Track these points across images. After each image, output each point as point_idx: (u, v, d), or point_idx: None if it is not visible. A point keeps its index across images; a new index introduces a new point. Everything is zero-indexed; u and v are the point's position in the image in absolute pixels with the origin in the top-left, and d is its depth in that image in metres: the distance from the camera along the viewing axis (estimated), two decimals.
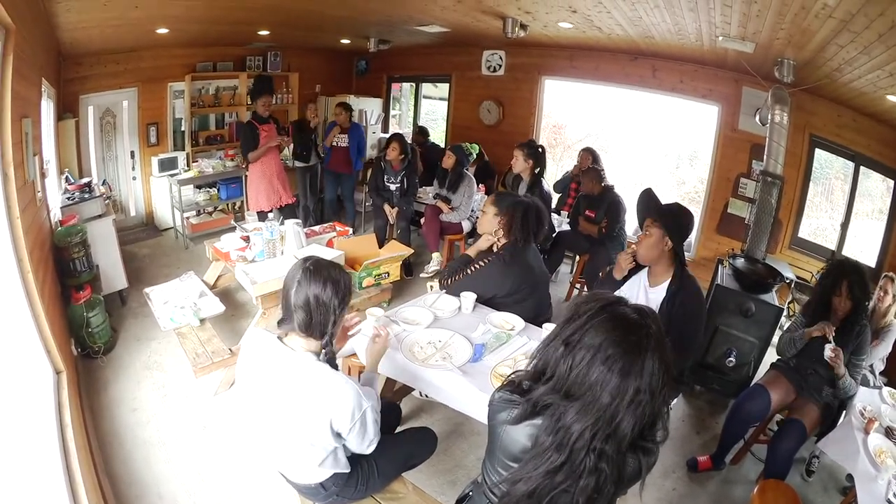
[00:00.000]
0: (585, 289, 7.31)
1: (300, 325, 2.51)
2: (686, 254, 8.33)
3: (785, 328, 4.83)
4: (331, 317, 2.52)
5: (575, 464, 1.69)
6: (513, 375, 1.99)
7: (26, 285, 3.73)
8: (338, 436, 2.58)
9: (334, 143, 9.01)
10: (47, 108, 6.04)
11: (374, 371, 3.09)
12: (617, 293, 3.92)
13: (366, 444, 2.66)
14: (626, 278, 3.99)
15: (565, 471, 1.71)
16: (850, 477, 4.12)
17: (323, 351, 2.62)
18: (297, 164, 9.29)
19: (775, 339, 5.03)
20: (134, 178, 9.00)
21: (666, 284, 3.63)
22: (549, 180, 8.78)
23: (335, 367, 2.64)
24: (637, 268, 3.92)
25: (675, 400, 5.10)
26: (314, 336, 2.55)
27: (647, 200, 3.77)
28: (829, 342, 3.97)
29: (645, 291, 3.79)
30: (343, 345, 3.11)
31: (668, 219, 3.58)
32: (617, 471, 1.73)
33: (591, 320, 1.74)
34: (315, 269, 2.52)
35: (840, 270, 4.17)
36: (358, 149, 9.19)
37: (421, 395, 4.87)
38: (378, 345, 3.12)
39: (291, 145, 9.17)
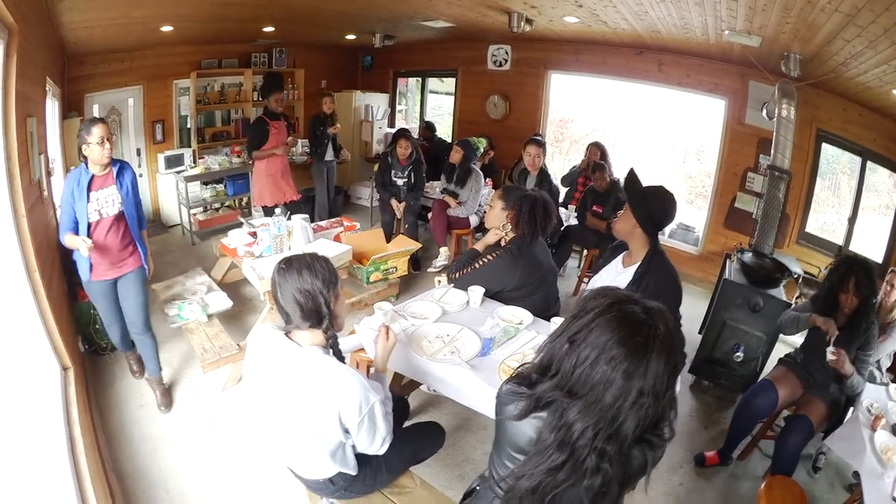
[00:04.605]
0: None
1: (298, 319, 2.52)
2: (693, 248, 8.41)
3: (792, 307, 4.82)
4: (320, 299, 2.52)
5: (577, 462, 1.69)
6: (520, 368, 1.98)
7: (33, 283, 3.76)
8: (346, 432, 2.58)
9: (100, 212, 4.32)
10: (52, 107, 6.06)
11: (383, 371, 3.06)
12: (598, 276, 3.92)
13: (378, 442, 2.66)
14: (608, 260, 3.97)
15: (567, 469, 1.70)
16: (856, 474, 4.12)
17: (329, 342, 2.64)
18: (316, 160, 9.26)
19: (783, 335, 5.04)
20: (140, 176, 8.93)
21: (635, 267, 3.58)
22: (557, 174, 8.79)
23: (342, 360, 2.63)
24: (618, 249, 3.90)
25: (678, 388, 5.09)
26: (314, 325, 2.56)
27: (627, 179, 3.74)
28: (829, 344, 3.98)
29: (616, 272, 3.74)
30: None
31: (634, 198, 3.54)
32: (622, 471, 1.73)
33: (598, 318, 1.71)
34: (286, 265, 2.54)
35: (848, 266, 4.15)
36: (137, 214, 4.60)
37: (429, 390, 4.87)
38: (382, 345, 3.08)
39: (299, 142, 9.17)
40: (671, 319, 1.75)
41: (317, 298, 2.50)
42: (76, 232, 4.20)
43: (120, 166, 4.45)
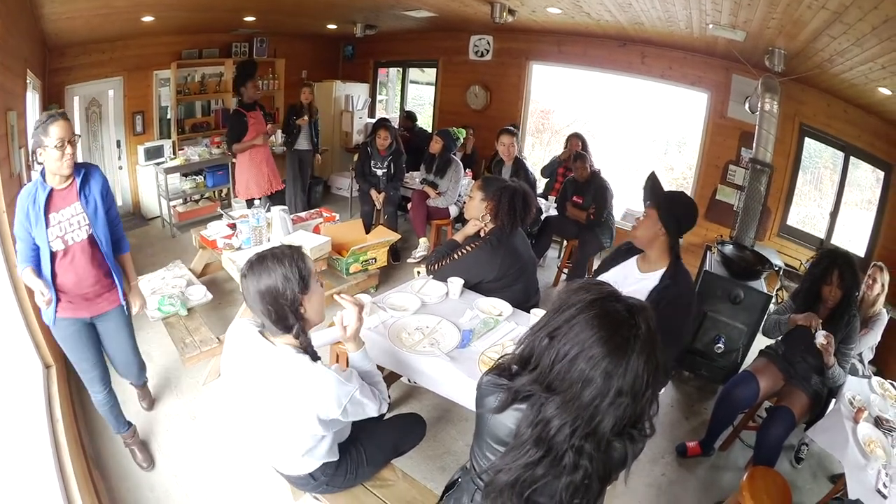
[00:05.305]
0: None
1: (269, 326, 2.46)
2: None
3: (773, 310, 4.84)
4: (286, 309, 2.41)
5: (556, 459, 1.69)
6: (501, 360, 1.97)
7: (14, 280, 3.72)
8: (333, 422, 2.56)
9: (64, 239, 3.40)
10: (33, 100, 5.98)
11: (357, 350, 2.85)
12: (604, 275, 3.88)
13: (372, 414, 2.64)
14: (616, 261, 3.95)
15: (545, 464, 1.70)
16: None
17: (301, 345, 2.53)
18: (286, 149, 9.21)
19: None
20: (120, 168, 8.95)
21: (660, 273, 3.53)
22: (538, 165, 8.80)
23: (316, 357, 2.58)
24: (629, 252, 3.88)
25: (663, 389, 5.10)
26: (285, 331, 2.47)
27: (649, 184, 3.72)
28: (815, 332, 3.99)
29: (634, 278, 3.68)
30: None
31: (663, 204, 3.49)
32: (602, 466, 1.73)
33: (579, 315, 1.70)
34: (249, 270, 2.41)
35: (831, 260, 4.17)
36: (112, 236, 3.64)
37: (409, 382, 4.86)
38: (349, 329, 2.78)
39: (278, 131, 9.16)
40: (653, 318, 1.73)
41: (282, 308, 2.39)
42: (38, 265, 3.33)
43: (85, 173, 3.43)
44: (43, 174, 3.27)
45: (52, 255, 3.31)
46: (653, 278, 3.53)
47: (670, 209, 3.45)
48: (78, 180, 3.36)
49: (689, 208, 3.53)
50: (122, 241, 3.80)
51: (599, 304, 1.71)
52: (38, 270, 3.31)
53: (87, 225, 3.41)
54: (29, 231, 3.24)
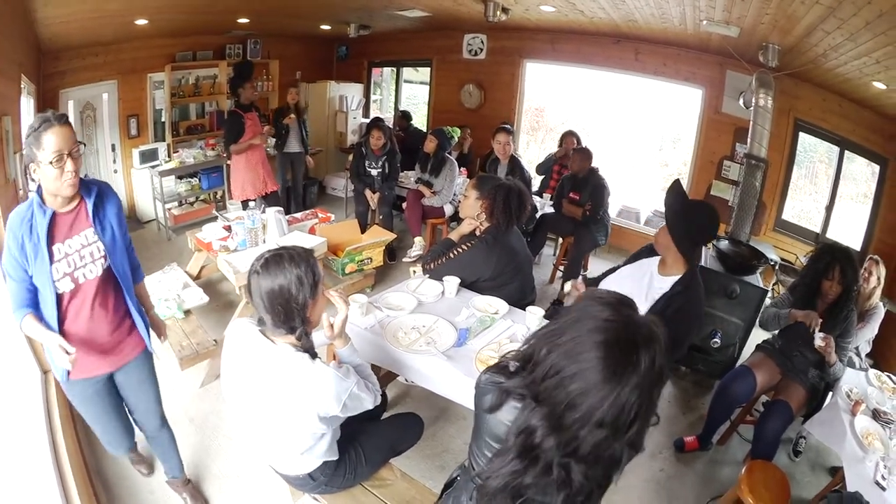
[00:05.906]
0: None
1: (271, 325, 2.44)
2: None
3: (770, 303, 4.84)
4: (294, 312, 2.40)
5: (545, 468, 1.66)
6: (504, 357, 1.95)
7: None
8: (333, 418, 2.56)
9: (74, 277, 2.71)
10: (27, 105, 5.96)
11: (345, 345, 2.84)
12: (626, 268, 3.88)
13: (368, 406, 2.65)
14: (641, 257, 3.96)
15: (532, 474, 1.67)
16: None
17: (301, 346, 2.52)
18: (277, 151, 9.21)
19: None
20: (115, 171, 8.90)
21: (673, 280, 3.53)
22: (532, 163, 8.80)
23: (315, 355, 2.56)
24: (652, 252, 3.89)
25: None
26: (288, 332, 2.46)
27: (670, 192, 3.72)
28: (814, 332, 3.99)
29: (651, 278, 3.71)
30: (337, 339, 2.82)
31: (672, 217, 3.51)
32: (601, 474, 1.70)
33: (588, 334, 1.62)
34: (263, 268, 2.38)
35: (832, 256, 4.17)
36: (130, 266, 3.04)
37: (406, 381, 4.84)
38: (335, 327, 2.73)
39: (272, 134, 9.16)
40: (661, 353, 1.63)
41: (291, 310, 2.38)
42: (37, 311, 2.64)
43: (97, 192, 2.77)
44: (40, 193, 2.59)
45: (58, 298, 2.65)
46: (667, 283, 3.55)
47: (678, 220, 3.48)
48: (89, 202, 2.71)
49: (701, 221, 3.51)
50: (138, 270, 3.20)
51: (609, 328, 1.62)
52: (39, 317, 2.62)
53: (103, 257, 2.76)
54: (25, 268, 2.57)
